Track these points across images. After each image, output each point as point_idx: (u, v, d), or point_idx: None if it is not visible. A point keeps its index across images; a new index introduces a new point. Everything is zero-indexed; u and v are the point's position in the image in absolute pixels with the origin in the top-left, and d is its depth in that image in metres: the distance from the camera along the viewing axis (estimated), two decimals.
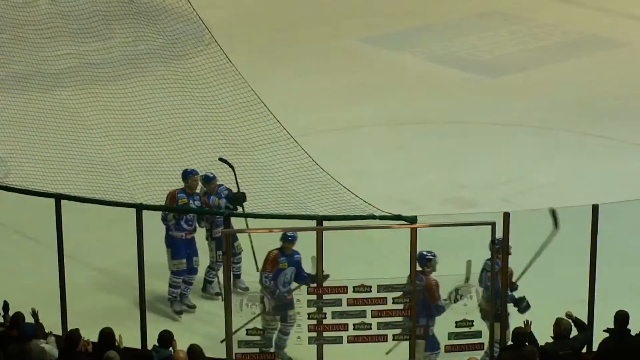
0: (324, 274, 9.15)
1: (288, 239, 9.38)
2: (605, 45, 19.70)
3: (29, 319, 8.33)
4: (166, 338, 7.74)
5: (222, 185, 10.91)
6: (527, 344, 7.45)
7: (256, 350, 8.56)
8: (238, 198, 10.49)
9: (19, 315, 7.99)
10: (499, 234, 8.63)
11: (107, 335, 7.48)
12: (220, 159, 11.13)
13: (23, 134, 12.79)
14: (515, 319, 8.74)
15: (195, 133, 12.46)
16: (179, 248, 10.15)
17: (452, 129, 16.33)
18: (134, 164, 12.09)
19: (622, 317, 7.59)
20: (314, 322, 8.55)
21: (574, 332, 7.93)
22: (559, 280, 10.57)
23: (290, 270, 9.47)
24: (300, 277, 9.41)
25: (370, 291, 8.73)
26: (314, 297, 8.68)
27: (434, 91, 17.78)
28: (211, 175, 10.67)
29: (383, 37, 19.83)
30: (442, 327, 8.83)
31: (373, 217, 9.48)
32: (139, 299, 9.50)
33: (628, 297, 9.95)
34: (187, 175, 10.32)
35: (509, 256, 8.92)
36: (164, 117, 12.49)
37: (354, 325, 8.83)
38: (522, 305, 9.03)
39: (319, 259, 8.55)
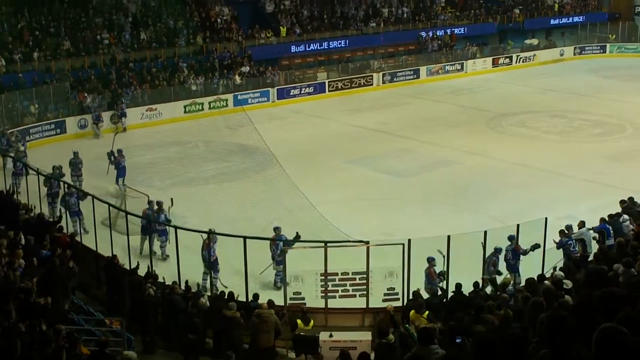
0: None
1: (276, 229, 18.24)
2: (446, 164, 29.88)
3: None
4: (256, 295, 15.53)
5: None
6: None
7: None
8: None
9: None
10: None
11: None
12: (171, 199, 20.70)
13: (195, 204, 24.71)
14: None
15: (267, 204, 23.83)
16: None
17: (386, 203, 25.62)
18: (245, 220, 21.72)
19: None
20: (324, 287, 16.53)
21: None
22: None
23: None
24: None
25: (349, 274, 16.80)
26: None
27: (373, 184, 27.56)
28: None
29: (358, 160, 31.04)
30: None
31: (366, 241, 16.97)
32: None
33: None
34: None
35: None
36: (255, 196, 24.53)
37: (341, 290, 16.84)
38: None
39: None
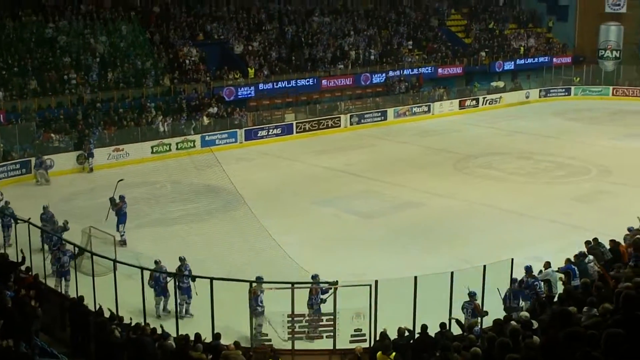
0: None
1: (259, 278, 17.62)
2: (412, 205, 30.17)
3: None
4: (217, 335, 15.05)
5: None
6: None
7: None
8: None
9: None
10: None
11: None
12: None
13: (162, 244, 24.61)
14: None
15: (235, 244, 23.87)
16: None
17: (353, 244, 25.54)
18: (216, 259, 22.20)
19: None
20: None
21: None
22: None
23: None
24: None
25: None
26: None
27: (340, 225, 27.61)
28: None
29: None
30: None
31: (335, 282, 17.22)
32: None
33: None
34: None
35: None
36: (223, 237, 24.52)
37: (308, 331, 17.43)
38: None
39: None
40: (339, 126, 45.46)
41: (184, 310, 19.02)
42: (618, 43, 60.33)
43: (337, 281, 17.86)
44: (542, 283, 19.72)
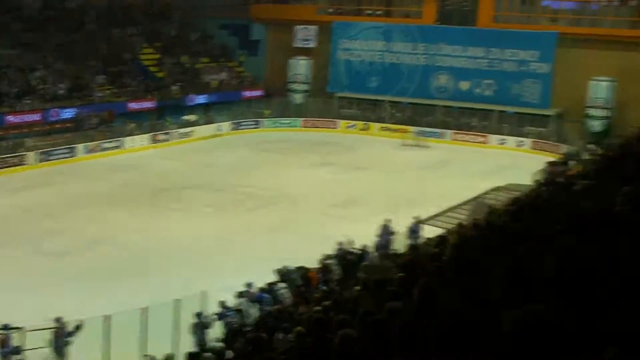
0: None
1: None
2: (105, 241, 30.11)
3: None
4: None
5: None
6: None
7: None
8: None
9: None
10: None
11: None
12: None
13: None
14: None
15: None
16: None
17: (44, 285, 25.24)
18: None
19: None
20: None
21: None
22: None
23: None
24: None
25: None
26: None
27: (29, 267, 26.85)
28: None
29: None
30: None
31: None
32: None
33: None
34: None
35: None
36: None
37: None
38: None
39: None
40: (25, 164, 43.81)
41: None
42: (307, 76, 62.67)
43: (21, 327, 18.24)
44: (235, 313, 20.21)
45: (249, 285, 21.70)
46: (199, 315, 20.17)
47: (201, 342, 19.71)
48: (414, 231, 28.62)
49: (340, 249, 25.51)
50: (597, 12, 54.00)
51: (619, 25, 53.07)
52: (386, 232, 28.58)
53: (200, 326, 20.21)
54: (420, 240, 26.12)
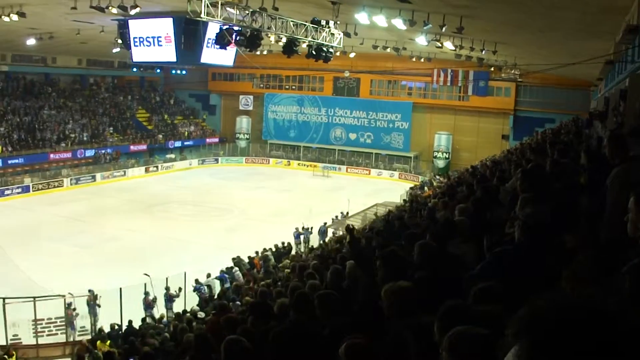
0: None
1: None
2: (115, 239, 29.11)
3: None
4: None
5: None
6: None
7: None
8: None
9: None
10: None
11: None
12: None
13: None
14: None
15: None
16: None
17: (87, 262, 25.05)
18: None
19: None
20: None
21: None
22: None
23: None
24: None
25: None
26: None
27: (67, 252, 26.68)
28: None
29: None
30: None
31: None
32: None
33: None
34: None
35: None
36: None
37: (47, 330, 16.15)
38: None
39: None
40: (62, 186, 43.79)
41: None
42: (248, 129, 60.85)
43: (66, 294, 17.94)
44: (206, 287, 20.25)
45: (220, 270, 21.12)
46: (179, 289, 19.83)
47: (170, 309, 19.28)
48: (322, 232, 28.46)
49: (275, 245, 25.21)
50: (437, 90, 52.15)
51: (452, 98, 52.26)
52: (304, 233, 28.64)
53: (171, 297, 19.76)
54: (327, 239, 26.33)
